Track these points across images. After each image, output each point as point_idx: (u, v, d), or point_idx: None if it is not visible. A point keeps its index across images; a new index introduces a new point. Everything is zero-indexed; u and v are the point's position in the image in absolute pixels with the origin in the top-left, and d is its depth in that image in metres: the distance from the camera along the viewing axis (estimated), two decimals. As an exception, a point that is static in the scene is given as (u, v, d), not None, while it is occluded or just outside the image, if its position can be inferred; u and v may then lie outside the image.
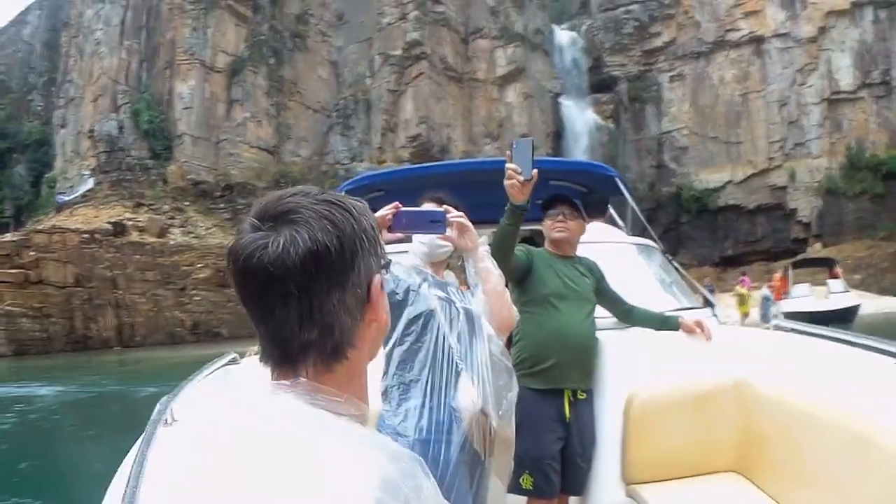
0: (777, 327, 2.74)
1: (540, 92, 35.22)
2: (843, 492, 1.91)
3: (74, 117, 39.54)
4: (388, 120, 35.21)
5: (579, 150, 34.63)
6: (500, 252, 2.17)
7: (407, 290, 1.90)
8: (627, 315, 2.86)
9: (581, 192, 4.24)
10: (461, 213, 1.86)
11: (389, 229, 1.71)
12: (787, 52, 36.60)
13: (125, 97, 39.43)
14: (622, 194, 4.26)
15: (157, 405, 1.55)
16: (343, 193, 0.76)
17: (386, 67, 35.72)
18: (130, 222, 35.37)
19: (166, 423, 1.46)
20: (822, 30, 37.08)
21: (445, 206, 1.85)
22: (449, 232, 1.81)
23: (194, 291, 34.65)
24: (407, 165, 34.66)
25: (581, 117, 35.68)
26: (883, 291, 31.13)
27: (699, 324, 2.76)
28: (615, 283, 2.89)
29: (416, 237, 1.98)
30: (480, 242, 1.95)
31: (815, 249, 34.95)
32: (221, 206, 38.50)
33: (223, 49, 39.05)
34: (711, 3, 36.57)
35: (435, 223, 1.65)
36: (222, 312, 34.16)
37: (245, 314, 0.68)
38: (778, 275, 24.63)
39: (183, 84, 38.87)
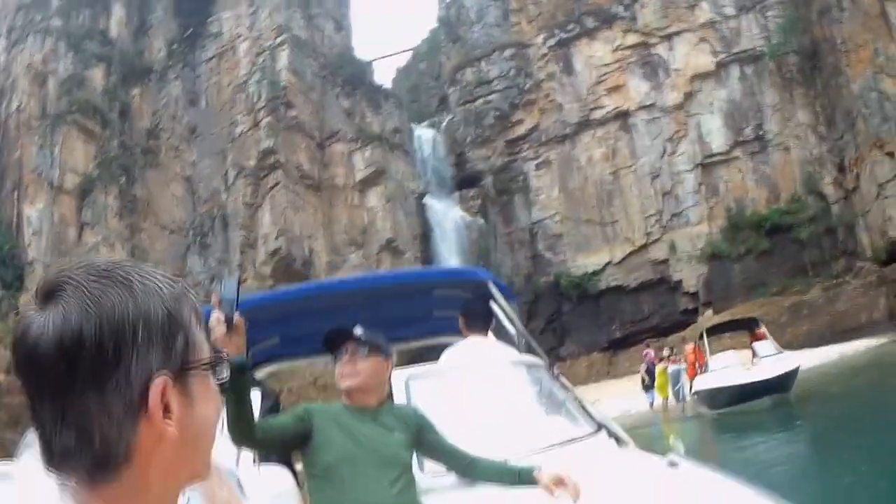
0: (671, 464, 2.40)
1: (403, 193, 35.01)
2: None
3: (-78, 245, 37.67)
4: (247, 235, 34.35)
5: (450, 249, 34.36)
6: (236, 430, 1.90)
7: None
8: (470, 469, 2.37)
9: (465, 299, 3.85)
10: None
11: None
12: (655, 123, 37.42)
13: (-26, 224, 37.82)
14: (501, 300, 3.83)
15: None
16: (150, 269, 0.67)
17: (240, 180, 35.04)
18: (-17, 361, 33.49)
19: None
20: (689, 95, 38.08)
21: None
22: None
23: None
24: (272, 284, 33.69)
25: (448, 215, 35.56)
26: (787, 346, 31.24)
27: (560, 481, 2.17)
28: (495, 412, 2.64)
29: None
30: None
31: (707, 317, 35.01)
32: (78, 340, 36.89)
33: (72, 168, 38.01)
34: (573, 84, 37.27)
35: None
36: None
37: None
38: (690, 346, 22.38)
39: (31, 207, 37.72)
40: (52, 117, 38.55)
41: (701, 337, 22.16)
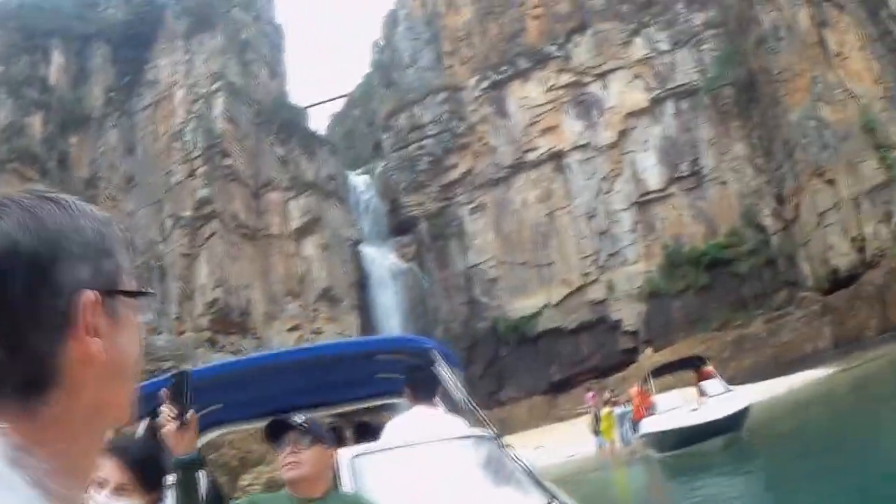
0: None
1: (339, 241, 35.26)
2: None
3: None
4: (184, 286, 34.47)
5: (387, 296, 34.61)
6: None
7: None
8: None
9: (409, 365, 3.92)
10: None
11: None
12: (590, 163, 37.76)
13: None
14: (445, 368, 3.82)
15: None
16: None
17: (177, 230, 35.16)
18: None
19: None
20: (623, 133, 38.41)
21: None
22: None
23: None
24: (210, 335, 33.92)
25: (383, 263, 35.84)
26: (730, 381, 31.31)
27: None
28: (444, 490, 2.58)
29: None
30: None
31: (647, 356, 35.32)
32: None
33: (12, 219, 37.97)
34: (507, 126, 37.56)
35: None
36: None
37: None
38: (635, 388, 22.31)
39: (-27, 259, 37.49)
40: (-10, 165, 38.52)
41: (646, 379, 21.86)
